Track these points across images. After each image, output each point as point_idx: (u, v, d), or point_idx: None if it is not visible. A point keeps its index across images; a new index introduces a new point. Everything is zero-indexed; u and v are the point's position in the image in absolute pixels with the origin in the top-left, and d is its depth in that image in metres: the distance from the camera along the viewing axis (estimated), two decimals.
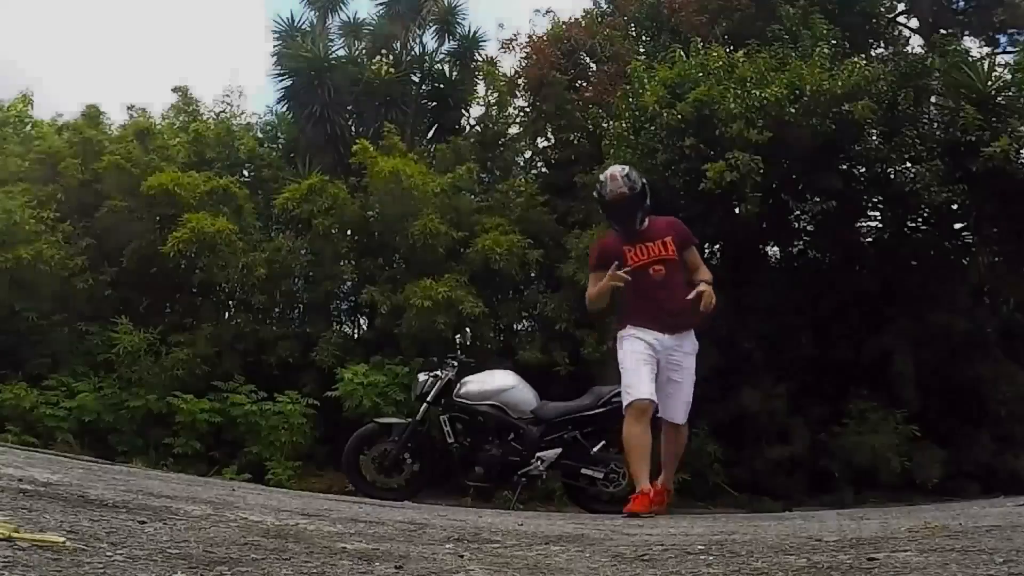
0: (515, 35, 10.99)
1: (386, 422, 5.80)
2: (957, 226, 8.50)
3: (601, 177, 4.50)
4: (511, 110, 11.01)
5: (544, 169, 10.45)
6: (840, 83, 7.45)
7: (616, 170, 4.51)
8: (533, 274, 9.07)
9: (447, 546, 1.66)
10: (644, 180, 4.45)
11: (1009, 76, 7.97)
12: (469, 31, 11.59)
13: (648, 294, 4.27)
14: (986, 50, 10.18)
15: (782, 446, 7.42)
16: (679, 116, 7.58)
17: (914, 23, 10.95)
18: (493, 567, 1.38)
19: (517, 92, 10.75)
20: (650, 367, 4.17)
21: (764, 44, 8.32)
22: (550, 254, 8.52)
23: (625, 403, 4.15)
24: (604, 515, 4.41)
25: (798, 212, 8.15)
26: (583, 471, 5.36)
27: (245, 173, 10.48)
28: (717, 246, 8.70)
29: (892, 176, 8.11)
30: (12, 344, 8.02)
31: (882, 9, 10.35)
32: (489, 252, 8.12)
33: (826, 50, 7.87)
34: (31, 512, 1.44)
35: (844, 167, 8.15)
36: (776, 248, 8.99)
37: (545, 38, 10.66)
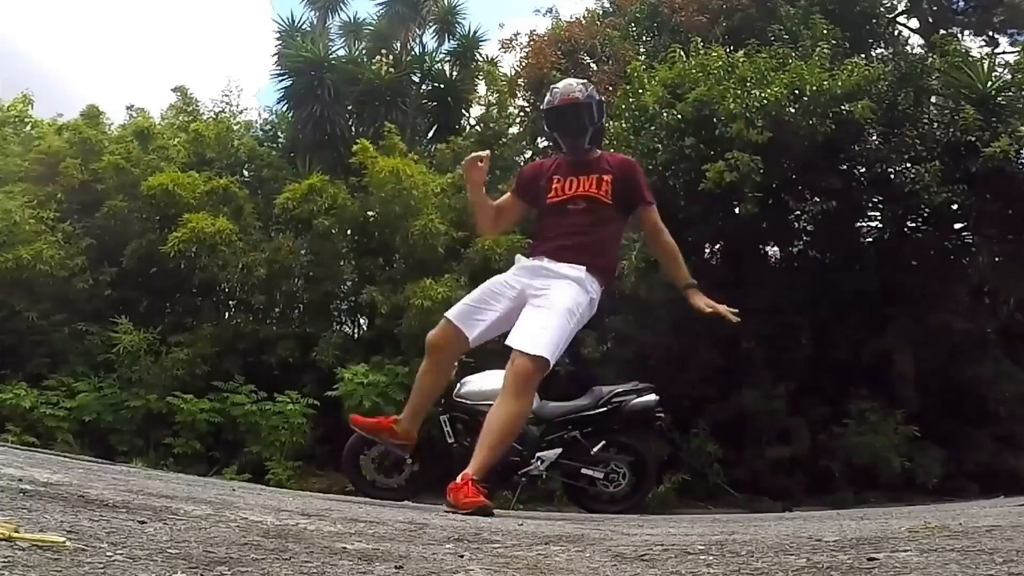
0: (515, 35, 11.04)
1: None
2: (957, 226, 8.50)
3: (554, 86, 3.69)
4: (511, 110, 11.01)
5: None
6: (840, 83, 7.46)
7: (572, 79, 3.92)
8: None
9: (447, 546, 1.66)
10: (602, 99, 3.72)
11: (1009, 76, 7.98)
12: (469, 31, 11.62)
13: (559, 237, 3.47)
14: (986, 50, 10.20)
15: (782, 446, 7.42)
16: (679, 116, 7.59)
17: (914, 23, 10.99)
18: (493, 567, 1.38)
19: (517, 92, 10.76)
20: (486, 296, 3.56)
21: (764, 44, 8.33)
22: None
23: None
24: (604, 515, 4.41)
25: (798, 212, 8.15)
26: (583, 471, 5.35)
27: (245, 173, 10.48)
28: (717, 246, 8.70)
29: (892, 176, 8.11)
30: (12, 344, 8.02)
31: (882, 9, 10.38)
32: (489, 252, 8.10)
33: (826, 50, 7.88)
34: (31, 512, 1.44)
35: (844, 167, 8.16)
36: (776, 248, 8.99)
37: (545, 38, 10.68)
